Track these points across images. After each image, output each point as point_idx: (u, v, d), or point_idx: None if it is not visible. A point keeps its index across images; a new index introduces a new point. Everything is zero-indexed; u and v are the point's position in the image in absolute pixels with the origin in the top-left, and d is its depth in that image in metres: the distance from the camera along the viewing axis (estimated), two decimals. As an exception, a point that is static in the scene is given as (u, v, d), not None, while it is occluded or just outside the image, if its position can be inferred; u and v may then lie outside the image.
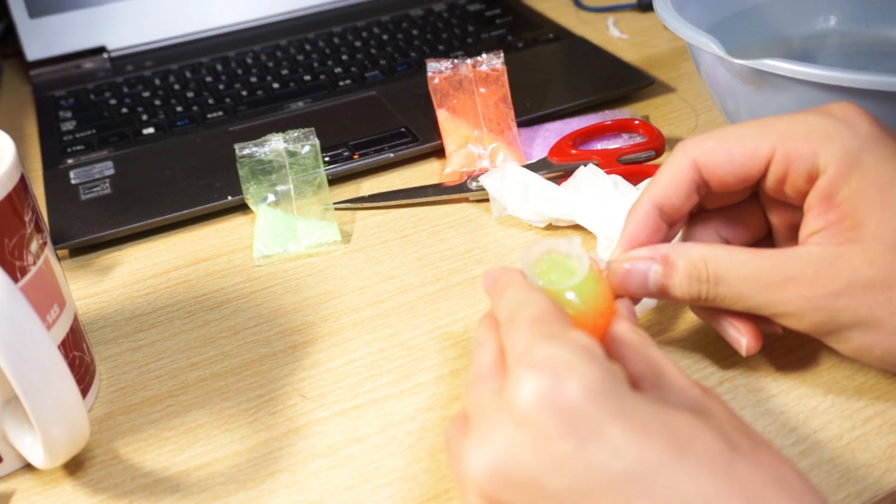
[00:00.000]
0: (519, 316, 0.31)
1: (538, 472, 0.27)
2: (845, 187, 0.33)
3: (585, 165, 0.50)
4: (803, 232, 0.35)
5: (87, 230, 0.52)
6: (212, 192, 0.54)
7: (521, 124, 0.59)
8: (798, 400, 0.38)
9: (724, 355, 0.40)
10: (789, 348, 0.40)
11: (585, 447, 0.26)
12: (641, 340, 0.33)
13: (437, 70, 0.58)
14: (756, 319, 0.37)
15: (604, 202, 0.47)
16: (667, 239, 0.38)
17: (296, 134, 0.53)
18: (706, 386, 0.31)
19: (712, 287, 0.35)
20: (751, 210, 0.39)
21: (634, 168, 0.52)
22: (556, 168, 0.53)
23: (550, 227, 0.50)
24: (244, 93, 0.66)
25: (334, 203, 0.54)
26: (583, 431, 0.27)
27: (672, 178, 0.37)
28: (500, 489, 0.28)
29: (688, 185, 0.37)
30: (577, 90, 0.62)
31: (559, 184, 0.50)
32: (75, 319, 0.39)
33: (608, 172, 0.50)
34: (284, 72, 0.69)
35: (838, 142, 0.34)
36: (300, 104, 0.64)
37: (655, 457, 0.26)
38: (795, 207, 0.36)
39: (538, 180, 0.49)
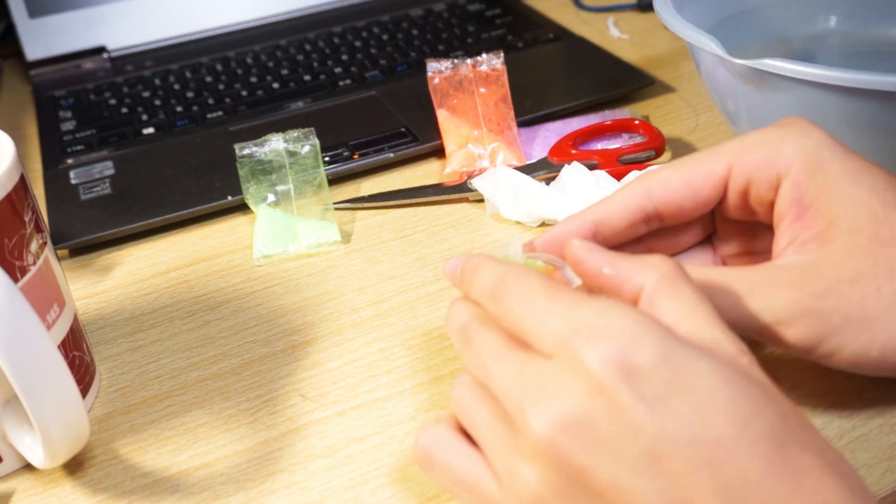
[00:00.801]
0: (516, 286, 0.30)
1: (613, 436, 0.26)
2: (812, 185, 0.33)
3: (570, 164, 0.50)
4: (779, 245, 0.35)
5: (87, 230, 0.52)
6: (212, 192, 0.54)
7: (521, 124, 0.59)
8: (798, 400, 0.38)
9: (724, 355, 0.40)
10: (789, 348, 0.40)
11: (656, 413, 0.26)
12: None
13: (437, 70, 0.58)
14: None
15: (588, 200, 0.47)
16: None
17: (296, 134, 0.53)
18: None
19: None
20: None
21: (634, 168, 0.52)
22: (556, 168, 0.53)
23: (544, 225, 0.50)
24: (244, 93, 0.66)
25: (334, 203, 0.54)
26: (654, 396, 0.26)
27: (619, 202, 0.37)
28: (575, 445, 0.27)
29: (632, 212, 0.36)
30: (577, 90, 0.62)
31: (559, 184, 0.50)
32: (75, 319, 0.39)
33: (609, 172, 0.50)
34: (284, 72, 0.69)
35: (793, 143, 0.34)
36: (300, 104, 0.64)
37: (718, 431, 0.26)
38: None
39: (527, 181, 0.50)
